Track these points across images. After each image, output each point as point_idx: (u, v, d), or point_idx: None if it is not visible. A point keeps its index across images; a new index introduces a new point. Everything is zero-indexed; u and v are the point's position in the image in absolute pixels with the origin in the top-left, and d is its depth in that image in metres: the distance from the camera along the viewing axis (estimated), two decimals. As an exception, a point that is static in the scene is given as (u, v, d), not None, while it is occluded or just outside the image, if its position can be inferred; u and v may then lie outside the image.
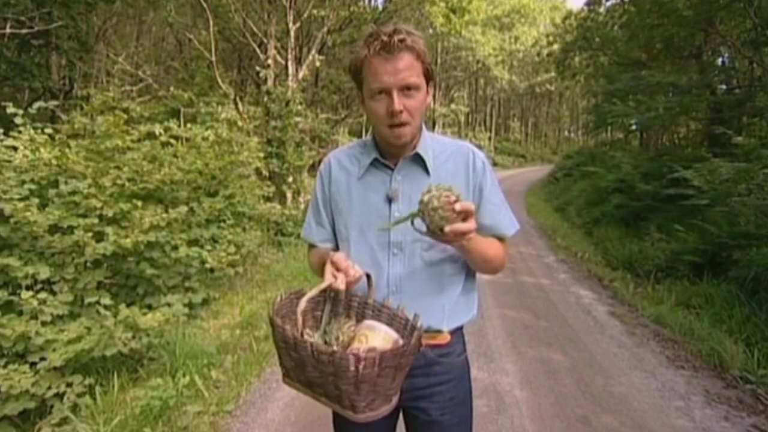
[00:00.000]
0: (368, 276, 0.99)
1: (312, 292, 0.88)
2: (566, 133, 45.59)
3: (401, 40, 0.91)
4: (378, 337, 0.89)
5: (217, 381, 2.83)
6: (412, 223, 0.88)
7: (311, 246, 1.17)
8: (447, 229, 0.81)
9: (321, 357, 0.79)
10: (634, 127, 12.76)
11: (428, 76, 0.98)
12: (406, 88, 0.93)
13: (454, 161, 1.05)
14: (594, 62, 13.76)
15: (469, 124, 32.10)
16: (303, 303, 0.84)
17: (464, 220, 0.83)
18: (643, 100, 8.41)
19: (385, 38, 0.91)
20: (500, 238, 1.07)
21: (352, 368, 0.78)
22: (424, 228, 0.87)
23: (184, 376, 2.70)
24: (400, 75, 0.92)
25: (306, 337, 0.83)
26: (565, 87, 28.19)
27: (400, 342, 0.90)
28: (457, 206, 0.80)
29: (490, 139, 31.71)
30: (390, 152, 1.05)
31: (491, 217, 1.05)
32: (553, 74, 24.71)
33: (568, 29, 15.87)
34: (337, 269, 0.94)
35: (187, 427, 2.34)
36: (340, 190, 1.08)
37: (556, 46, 17.55)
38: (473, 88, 35.01)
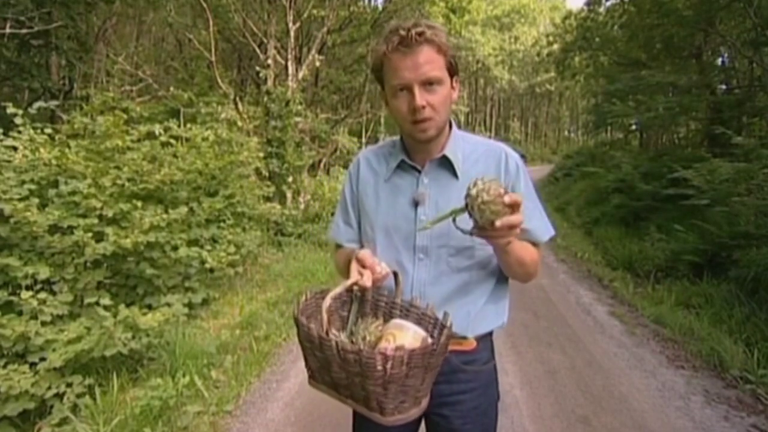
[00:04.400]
0: (395, 274, 0.97)
1: (337, 290, 0.86)
2: (566, 133, 45.53)
3: (419, 33, 0.88)
4: (406, 336, 0.86)
5: (217, 381, 2.83)
6: (454, 221, 0.84)
7: (338, 246, 1.15)
8: (498, 222, 0.76)
9: (347, 356, 0.77)
10: (634, 127, 12.76)
11: (452, 70, 0.94)
12: (428, 83, 0.90)
13: (485, 162, 1.01)
14: (594, 62, 13.75)
15: (469, 124, 32.10)
16: (328, 300, 0.82)
17: (512, 213, 0.78)
18: (643, 100, 8.40)
19: (403, 33, 0.88)
20: (534, 244, 1.02)
21: (380, 367, 0.75)
22: (468, 225, 0.82)
23: (184, 376, 2.70)
24: (420, 69, 0.89)
25: (332, 336, 0.81)
26: (565, 87, 28.17)
27: (429, 341, 0.87)
28: (507, 198, 0.76)
29: (489, 139, 31.68)
30: (417, 152, 1.02)
31: (525, 222, 0.98)
32: (553, 74, 24.70)
33: (568, 29, 15.86)
34: (363, 266, 0.91)
35: (187, 427, 2.34)
36: (368, 190, 1.06)
37: (556, 46, 17.55)
38: (473, 88, 35.01)
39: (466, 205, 0.79)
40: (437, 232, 0.97)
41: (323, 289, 0.98)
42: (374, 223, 1.04)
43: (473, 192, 0.78)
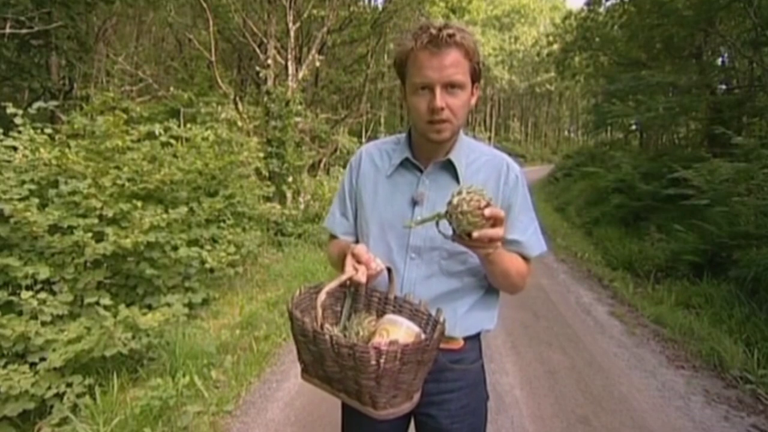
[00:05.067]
0: (389, 270, 0.97)
1: (332, 284, 0.86)
2: (566, 133, 45.56)
3: (450, 35, 0.88)
4: (399, 331, 0.87)
5: (217, 381, 2.83)
6: (437, 224, 0.85)
7: (332, 237, 1.16)
8: (475, 234, 0.77)
9: (341, 350, 0.78)
10: (634, 127, 12.77)
11: (475, 76, 0.95)
12: (450, 86, 0.90)
13: (486, 172, 1.01)
14: (594, 62, 13.76)
15: (469, 124, 32.08)
16: (323, 295, 0.83)
17: (493, 226, 0.78)
18: (643, 100, 8.41)
19: (434, 32, 0.88)
20: (524, 258, 1.03)
21: (373, 362, 0.75)
22: (449, 230, 0.83)
23: (184, 376, 2.70)
24: (445, 71, 0.89)
25: (326, 330, 0.82)
26: (565, 87, 28.19)
27: (422, 336, 0.88)
28: (487, 212, 0.76)
29: (489, 139, 31.73)
30: (423, 152, 1.02)
31: (518, 234, 1.00)
32: (553, 74, 24.72)
33: (568, 29, 15.87)
34: (358, 261, 0.92)
35: (187, 427, 2.34)
36: (367, 184, 1.07)
37: (556, 46, 17.57)
38: (473, 88, 34.95)
39: (446, 212, 0.80)
40: (432, 233, 0.97)
41: (317, 284, 0.98)
42: (369, 217, 1.05)
43: (454, 201, 0.78)
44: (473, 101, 0.98)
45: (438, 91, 0.89)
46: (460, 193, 0.79)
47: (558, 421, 2.49)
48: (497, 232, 0.79)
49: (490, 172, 1.02)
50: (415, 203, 1.00)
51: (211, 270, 4.03)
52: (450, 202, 0.79)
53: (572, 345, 3.53)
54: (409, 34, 0.93)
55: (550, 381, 2.94)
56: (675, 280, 4.84)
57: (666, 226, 5.83)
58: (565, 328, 3.89)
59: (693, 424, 2.49)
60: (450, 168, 1.01)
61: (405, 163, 1.03)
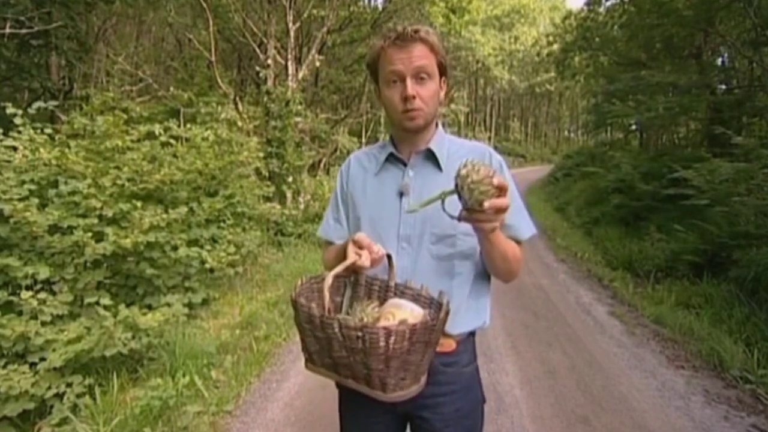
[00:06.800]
0: (389, 257, 0.98)
1: (338, 268, 0.86)
2: (566, 133, 45.55)
3: (415, 31, 0.97)
4: (405, 313, 0.87)
5: (217, 381, 2.83)
6: (443, 203, 0.85)
7: (327, 243, 1.17)
8: (487, 203, 0.77)
9: (350, 333, 0.77)
10: (634, 127, 12.76)
11: (442, 71, 1.02)
12: (419, 76, 0.97)
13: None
14: (594, 62, 13.75)
15: (469, 124, 32.06)
16: (330, 279, 0.82)
17: (499, 196, 0.79)
18: (643, 100, 8.40)
19: (400, 29, 0.97)
20: (517, 242, 1.04)
21: (383, 343, 0.75)
22: (455, 210, 0.83)
23: (184, 376, 2.70)
24: (414, 62, 0.96)
25: (333, 314, 0.81)
26: (565, 87, 28.17)
27: (428, 317, 0.88)
28: (495, 180, 0.78)
29: (489, 139, 31.71)
30: (404, 145, 1.07)
31: (508, 218, 1.00)
32: (553, 74, 24.71)
33: (567, 29, 15.86)
34: (360, 247, 0.94)
35: (186, 427, 2.34)
36: (356, 184, 1.11)
37: (556, 46, 17.55)
38: (473, 88, 34.95)
39: (456, 185, 0.80)
40: (419, 218, 1.00)
41: (320, 275, 0.98)
42: (360, 213, 1.08)
43: (463, 172, 0.79)
44: (442, 95, 1.04)
45: (408, 80, 0.96)
46: (466, 165, 0.79)
47: (558, 421, 2.49)
48: (504, 201, 0.80)
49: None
50: (401, 194, 1.04)
51: (211, 270, 4.03)
52: (458, 174, 0.80)
53: (572, 345, 3.53)
54: (378, 38, 1.01)
55: (550, 381, 2.94)
56: (675, 280, 4.84)
57: (666, 226, 5.83)
58: (565, 328, 3.89)
59: (693, 424, 2.49)
60: (432, 158, 1.05)
61: (390, 159, 1.08)
